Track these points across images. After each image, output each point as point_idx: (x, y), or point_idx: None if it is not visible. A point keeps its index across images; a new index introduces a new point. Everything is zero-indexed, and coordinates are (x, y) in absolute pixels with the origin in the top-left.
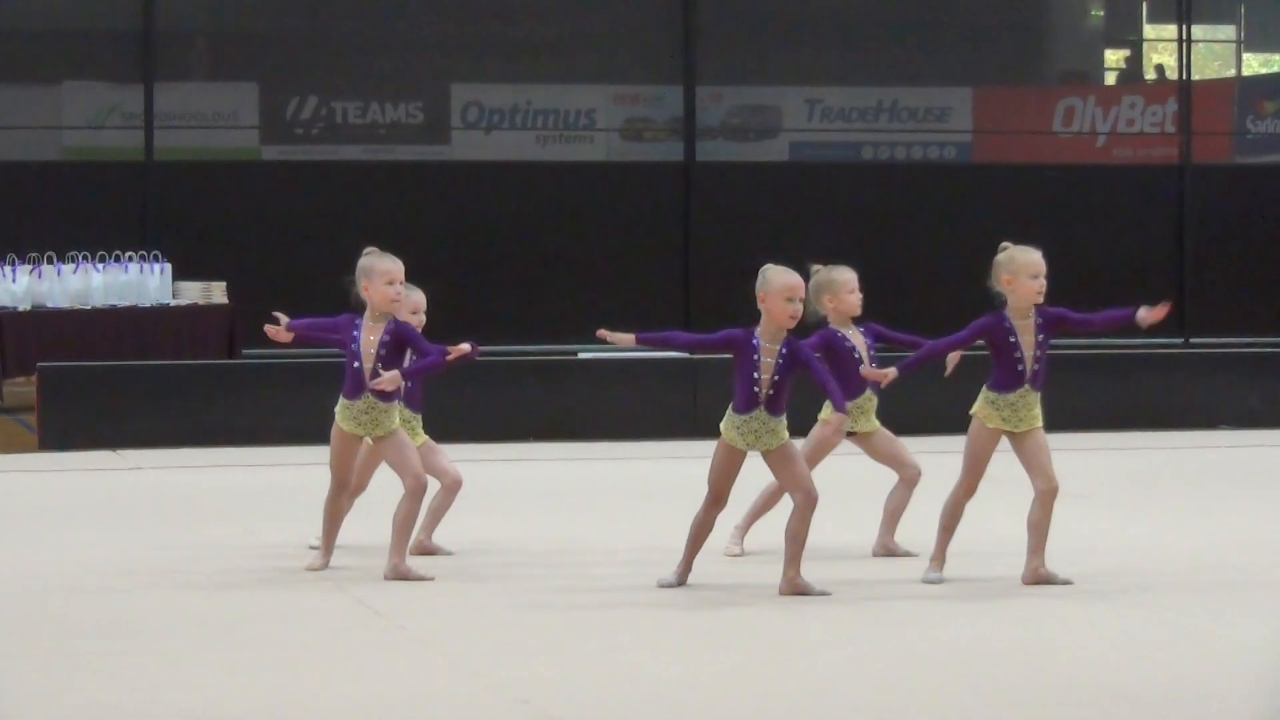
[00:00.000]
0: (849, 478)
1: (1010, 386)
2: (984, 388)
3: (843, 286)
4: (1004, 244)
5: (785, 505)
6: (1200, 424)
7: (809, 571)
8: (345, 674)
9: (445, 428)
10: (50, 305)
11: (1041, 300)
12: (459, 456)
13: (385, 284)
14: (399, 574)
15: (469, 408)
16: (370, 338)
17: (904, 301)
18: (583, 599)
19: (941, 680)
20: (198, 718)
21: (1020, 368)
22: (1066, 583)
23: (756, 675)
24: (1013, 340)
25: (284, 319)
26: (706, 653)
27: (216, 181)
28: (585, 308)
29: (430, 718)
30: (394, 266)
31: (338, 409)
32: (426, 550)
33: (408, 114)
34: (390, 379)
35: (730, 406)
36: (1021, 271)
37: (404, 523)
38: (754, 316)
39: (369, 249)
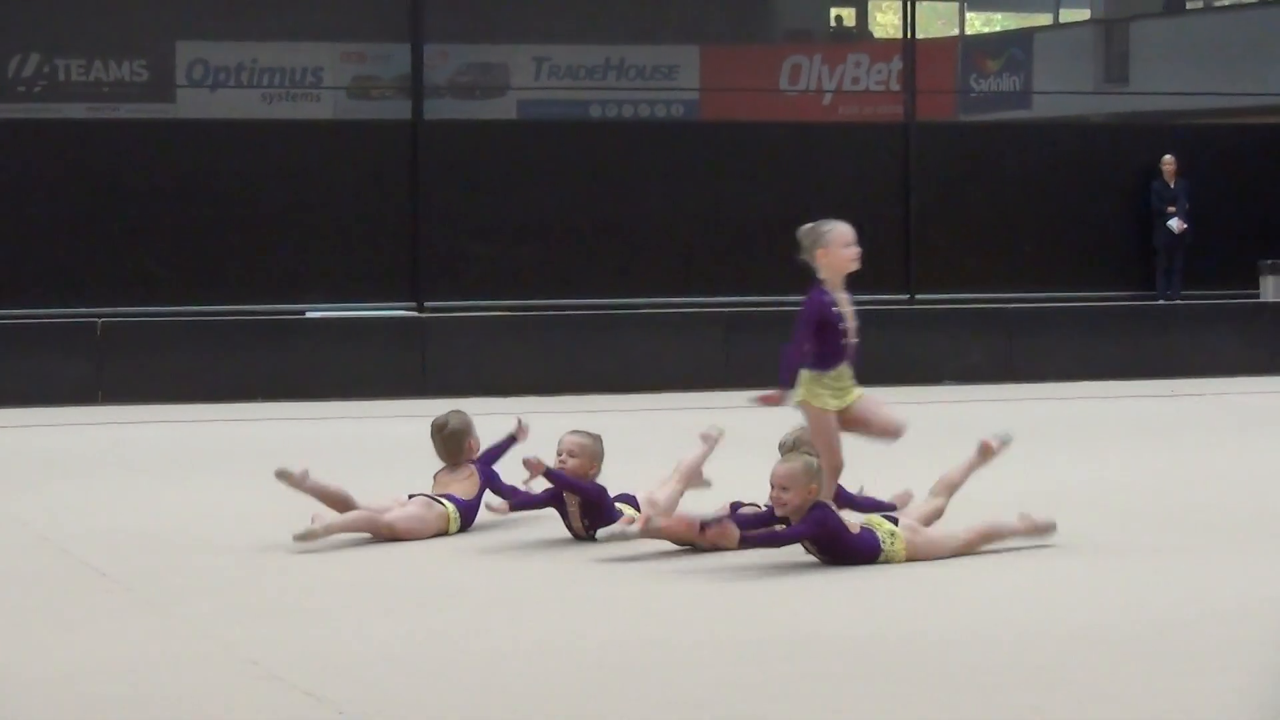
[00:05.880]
0: None
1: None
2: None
3: None
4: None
5: None
6: (925, 379)
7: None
8: (72, 639)
9: (171, 388)
10: None
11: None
12: (185, 416)
13: (843, 247)
14: None
15: (196, 368)
16: (848, 309)
17: (632, 259)
18: (310, 557)
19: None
20: None
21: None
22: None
23: (478, 630)
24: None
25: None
26: (432, 610)
27: None
28: (312, 267)
29: (160, 681)
30: (849, 230)
31: (811, 387)
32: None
33: (132, 72)
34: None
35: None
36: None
37: None
38: (480, 274)
39: (813, 224)
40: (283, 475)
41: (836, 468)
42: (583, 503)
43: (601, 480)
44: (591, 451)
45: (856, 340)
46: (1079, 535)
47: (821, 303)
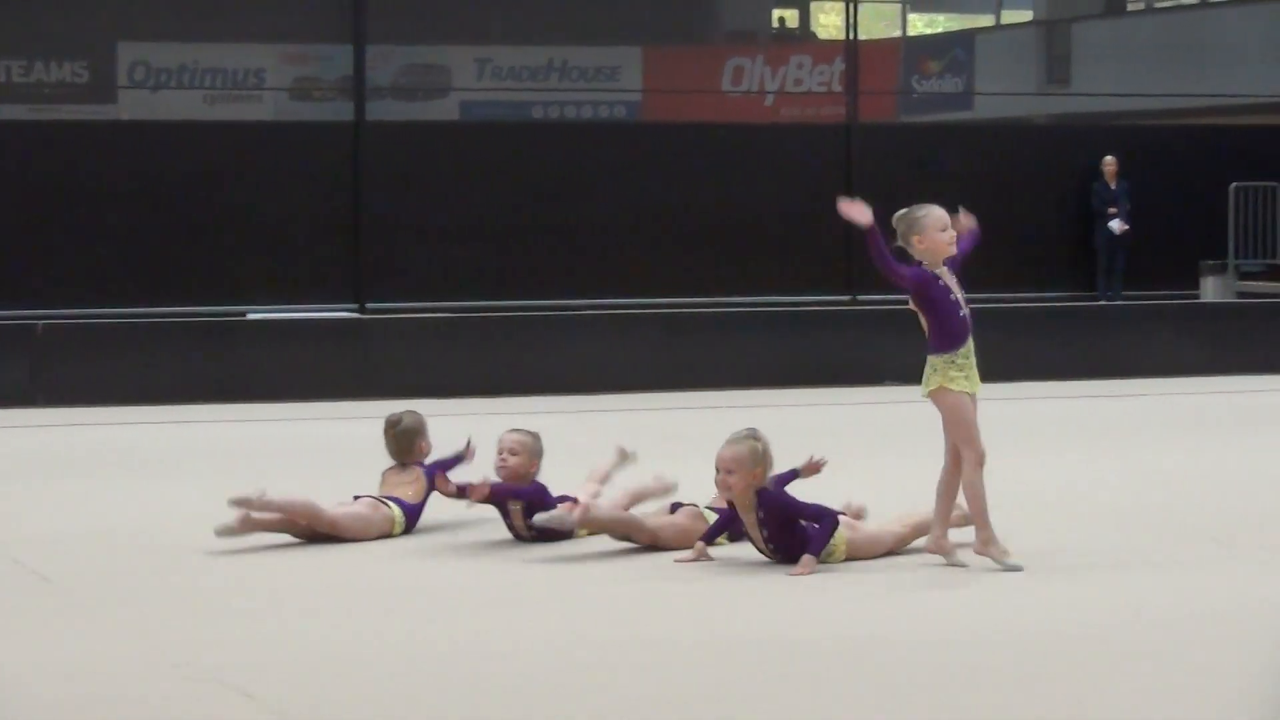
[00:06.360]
0: None
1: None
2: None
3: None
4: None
5: None
6: (866, 379)
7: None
8: (8, 641)
9: (111, 390)
10: None
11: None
12: (125, 419)
13: (939, 231)
14: (987, 553)
15: (136, 370)
16: (953, 281)
17: (573, 260)
18: (251, 559)
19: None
20: None
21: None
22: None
23: (419, 632)
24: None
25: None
26: (373, 612)
27: None
28: (254, 269)
29: (99, 683)
30: (943, 214)
31: (946, 372)
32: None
33: (73, 73)
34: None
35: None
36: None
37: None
38: (422, 276)
39: (906, 211)
40: (241, 502)
41: (981, 457)
42: (526, 504)
43: (541, 479)
44: (532, 449)
45: (969, 312)
46: (1051, 537)
47: (924, 276)
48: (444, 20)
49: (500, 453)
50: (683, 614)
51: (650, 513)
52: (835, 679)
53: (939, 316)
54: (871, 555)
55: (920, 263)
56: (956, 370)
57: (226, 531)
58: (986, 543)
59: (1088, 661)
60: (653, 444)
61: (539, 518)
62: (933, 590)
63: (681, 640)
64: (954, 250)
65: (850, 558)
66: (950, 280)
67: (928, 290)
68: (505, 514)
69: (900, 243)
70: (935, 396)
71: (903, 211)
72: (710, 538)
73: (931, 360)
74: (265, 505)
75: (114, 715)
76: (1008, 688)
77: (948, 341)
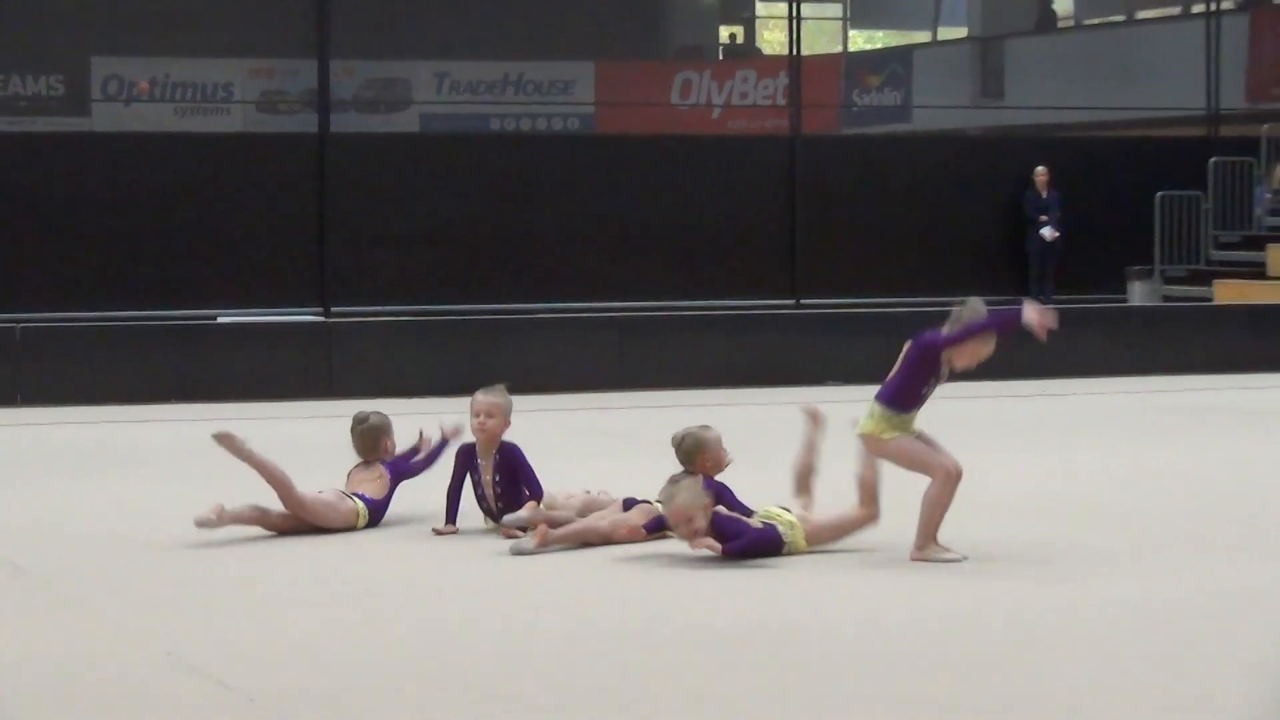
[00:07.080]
0: None
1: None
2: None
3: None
4: None
5: None
6: (809, 380)
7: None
8: None
9: (88, 390)
10: None
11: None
12: (101, 418)
13: (974, 357)
14: (925, 556)
15: (112, 371)
16: (944, 375)
17: (530, 266)
18: (224, 552)
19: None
20: None
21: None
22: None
23: (388, 622)
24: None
25: None
26: (343, 602)
27: None
28: (223, 275)
29: (78, 673)
30: (990, 352)
31: (880, 424)
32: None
33: (48, 86)
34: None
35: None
36: None
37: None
38: (384, 281)
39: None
40: (223, 438)
41: (953, 473)
42: (502, 477)
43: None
44: (505, 409)
45: (932, 397)
46: (998, 534)
47: (939, 351)
48: (405, 36)
49: (477, 415)
50: (637, 603)
51: (604, 514)
52: (794, 665)
53: (910, 381)
54: (829, 541)
55: (941, 330)
56: (891, 429)
57: (204, 523)
58: (922, 548)
59: (1038, 651)
60: (608, 442)
61: (508, 518)
62: (881, 580)
63: (637, 629)
64: (971, 367)
65: (811, 544)
66: (945, 374)
67: (932, 362)
68: (476, 483)
69: (955, 322)
70: (868, 442)
71: (983, 309)
72: (653, 529)
73: (873, 406)
74: (239, 450)
75: (92, 704)
76: (975, 677)
77: (900, 403)
